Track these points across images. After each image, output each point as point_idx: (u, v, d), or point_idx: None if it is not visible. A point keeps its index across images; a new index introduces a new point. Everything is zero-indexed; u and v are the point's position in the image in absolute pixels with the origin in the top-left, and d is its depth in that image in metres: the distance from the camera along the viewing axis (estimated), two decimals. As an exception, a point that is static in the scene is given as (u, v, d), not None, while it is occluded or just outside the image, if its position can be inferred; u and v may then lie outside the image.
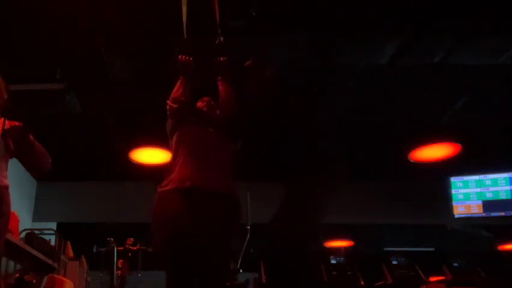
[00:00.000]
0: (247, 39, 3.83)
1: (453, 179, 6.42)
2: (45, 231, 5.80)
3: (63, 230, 6.44)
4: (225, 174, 2.68)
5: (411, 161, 5.71)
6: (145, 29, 3.76)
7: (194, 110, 2.90)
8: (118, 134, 5.47)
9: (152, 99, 4.57)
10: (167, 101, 2.91)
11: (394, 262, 6.04)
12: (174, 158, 2.72)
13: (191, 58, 2.90)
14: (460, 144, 5.28)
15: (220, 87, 2.94)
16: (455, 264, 6.02)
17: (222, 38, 2.98)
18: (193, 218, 2.46)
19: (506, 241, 7.41)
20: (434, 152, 5.54)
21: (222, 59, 2.91)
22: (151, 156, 5.59)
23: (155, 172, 5.32)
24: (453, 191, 6.40)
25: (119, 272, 4.43)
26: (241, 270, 4.41)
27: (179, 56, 2.89)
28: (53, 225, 7.06)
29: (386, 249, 8.30)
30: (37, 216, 7.05)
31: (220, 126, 2.81)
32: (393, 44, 3.89)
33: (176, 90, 2.90)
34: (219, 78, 2.97)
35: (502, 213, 6.04)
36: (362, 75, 4.39)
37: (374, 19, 3.67)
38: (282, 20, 3.68)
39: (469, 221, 6.36)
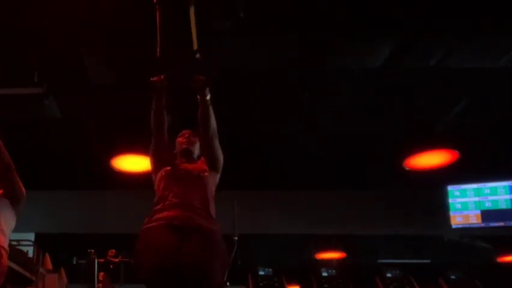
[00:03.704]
0: (236, 40, 3.79)
1: (450, 188, 6.40)
2: (23, 242, 5.69)
3: (41, 241, 6.36)
4: (208, 210, 2.73)
5: (406, 168, 5.65)
6: (127, 33, 3.73)
7: (174, 164, 2.92)
8: (99, 141, 5.43)
9: (135, 105, 4.55)
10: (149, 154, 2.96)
11: (388, 275, 6.13)
12: (159, 195, 2.77)
13: (162, 77, 2.87)
14: (457, 151, 5.23)
15: (199, 109, 2.89)
16: (452, 277, 6.08)
17: (199, 55, 2.95)
18: (180, 253, 2.52)
19: (506, 253, 7.47)
20: (430, 159, 5.48)
21: (199, 77, 2.84)
22: (133, 163, 5.56)
23: (138, 180, 5.48)
24: (450, 200, 6.37)
25: (100, 285, 4.44)
26: (228, 283, 4.36)
27: (154, 78, 2.88)
28: (31, 236, 6.97)
29: (379, 261, 8.31)
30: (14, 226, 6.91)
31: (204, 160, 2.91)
32: (389, 48, 3.86)
33: (152, 119, 2.88)
34: (198, 97, 2.91)
35: (502, 224, 6.03)
36: (356, 79, 4.35)
37: (372, 20, 3.64)
38: (276, 21, 3.65)
39: (466, 231, 6.36)
